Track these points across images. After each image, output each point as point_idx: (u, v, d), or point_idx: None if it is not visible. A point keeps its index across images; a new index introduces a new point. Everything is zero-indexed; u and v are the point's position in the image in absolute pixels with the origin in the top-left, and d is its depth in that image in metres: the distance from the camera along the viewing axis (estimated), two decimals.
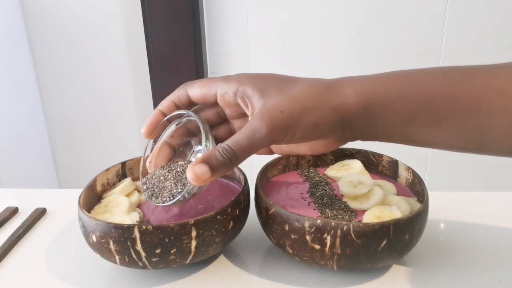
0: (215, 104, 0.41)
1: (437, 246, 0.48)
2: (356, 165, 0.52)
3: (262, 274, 0.45)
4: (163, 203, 0.41)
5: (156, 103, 1.25)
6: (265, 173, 0.50)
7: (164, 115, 0.42)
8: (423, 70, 0.36)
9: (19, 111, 1.28)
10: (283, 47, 1.20)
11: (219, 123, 0.44)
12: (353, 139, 0.39)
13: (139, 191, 0.51)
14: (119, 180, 0.52)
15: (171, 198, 0.40)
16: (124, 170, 0.53)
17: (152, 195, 0.42)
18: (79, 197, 0.44)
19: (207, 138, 0.39)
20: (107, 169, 0.51)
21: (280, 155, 0.53)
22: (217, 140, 0.45)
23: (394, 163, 0.51)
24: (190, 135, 0.45)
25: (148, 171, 0.44)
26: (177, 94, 0.41)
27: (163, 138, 0.44)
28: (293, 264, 0.46)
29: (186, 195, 0.40)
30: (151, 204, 0.43)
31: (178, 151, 0.45)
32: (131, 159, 0.53)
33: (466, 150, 0.36)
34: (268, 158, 0.52)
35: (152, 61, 1.20)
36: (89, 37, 1.24)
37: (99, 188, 0.49)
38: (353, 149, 0.54)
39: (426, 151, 1.25)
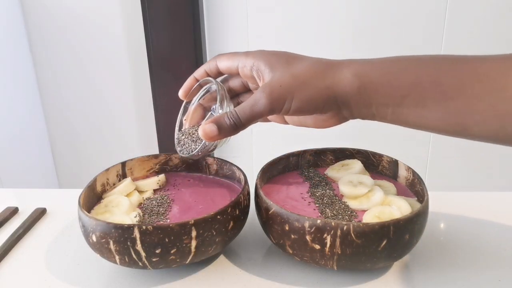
0: (238, 75, 0.46)
1: (437, 246, 0.48)
2: (356, 165, 0.52)
3: (262, 274, 0.45)
4: (187, 154, 0.47)
5: (156, 103, 1.25)
6: (265, 173, 0.50)
7: (197, 81, 0.48)
8: (416, 57, 0.39)
9: (19, 111, 1.28)
10: (283, 47, 1.20)
11: (245, 91, 0.49)
12: (352, 117, 0.42)
13: (139, 191, 0.51)
14: (119, 180, 0.52)
15: (191, 151, 0.47)
16: (124, 170, 0.53)
17: (181, 147, 0.49)
18: (79, 197, 0.44)
19: (221, 102, 0.45)
20: (107, 169, 0.51)
21: (280, 155, 0.53)
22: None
23: (394, 163, 0.51)
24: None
25: (183, 127, 0.51)
26: (209, 65, 0.47)
27: (197, 101, 0.50)
28: (293, 264, 0.46)
29: (203, 149, 0.46)
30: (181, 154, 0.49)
31: (208, 114, 0.51)
32: (131, 159, 0.53)
33: (451, 133, 0.38)
34: (268, 158, 0.52)
35: (152, 61, 1.20)
36: (89, 37, 1.24)
37: (99, 188, 0.49)
38: (353, 149, 0.54)
39: (426, 151, 1.25)
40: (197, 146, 0.47)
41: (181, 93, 0.49)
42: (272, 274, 0.44)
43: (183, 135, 0.49)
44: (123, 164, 0.53)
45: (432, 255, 0.47)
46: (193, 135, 0.48)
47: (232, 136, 0.43)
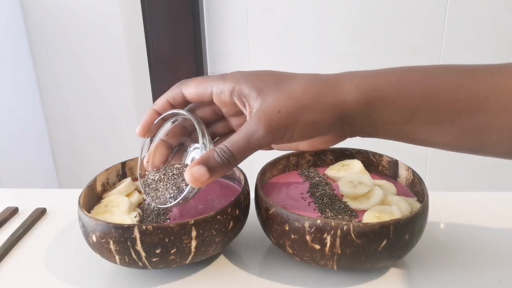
0: (211, 102, 0.40)
1: (437, 246, 0.48)
2: (356, 165, 0.52)
3: (262, 274, 0.45)
4: (163, 204, 0.41)
5: None
6: (265, 173, 0.50)
7: (159, 114, 0.42)
8: (426, 68, 0.35)
9: (19, 111, 1.28)
10: (283, 47, 1.20)
11: (216, 120, 0.44)
12: (353, 135, 0.39)
13: (139, 191, 0.51)
14: (119, 180, 0.52)
15: (170, 201, 0.40)
16: (124, 170, 0.53)
17: (151, 197, 0.42)
18: (79, 197, 0.44)
19: (203, 137, 0.38)
20: (107, 169, 0.51)
21: (280, 155, 0.53)
22: (214, 137, 0.45)
23: (394, 163, 0.51)
24: (186, 133, 0.45)
25: (146, 170, 0.44)
26: (172, 93, 0.41)
27: (159, 137, 0.44)
28: (293, 264, 0.46)
29: (186, 198, 0.40)
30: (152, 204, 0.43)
31: (175, 150, 0.45)
32: (131, 159, 0.53)
33: (464, 151, 0.35)
34: (268, 158, 0.52)
35: (152, 61, 1.20)
36: (89, 37, 1.24)
37: (99, 188, 0.49)
38: (353, 149, 0.54)
39: (426, 151, 1.25)
40: (177, 194, 0.40)
41: (138, 131, 0.42)
42: (272, 274, 0.44)
43: (152, 181, 0.42)
44: (123, 164, 0.53)
45: (432, 255, 0.47)
46: (168, 181, 0.41)
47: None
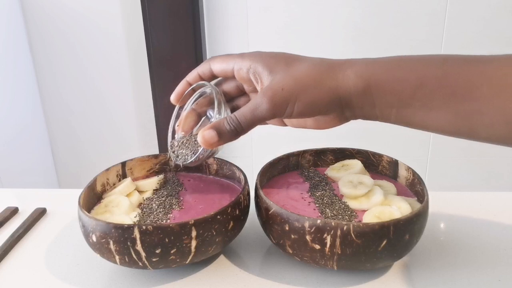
0: (234, 78, 0.44)
1: (437, 246, 0.48)
2: (356, 165, 0.52)
3: (262, 274, 0.45)
4: (182, 162, 0.46)
5: (156, 103, 1.25)
6: (265, 173, 0.50)
7: (190, 85, 0.47)
8: (424, 57, 0.38)
9: (19, 111, 1.28)
10: (283, 47, 1.20)
11: (240, 95, 0.48)
12: (353, 117, 0.41)
13: (139, 191, 0.51)
14: (119, 180, 0.52)
15: (187, 159, 0.46)
16: (124, 170, 0.53)
17: (175, 157, 0.47)
18: (79, 197, 0.44)
19: (219, 108, 0.44)
20: (107, 169, 0.51)
21: (280, 156, 0.53)
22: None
23: (394, 163, 0.51)
24: (212, 104, 0.48)
25: (175, 134, 0.49)
26: (202, 67, 0.45)
27: (190, 106, 0.49)
28: (293, 264, 0.46)
29: (198, 159, 0.45)
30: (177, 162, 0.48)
31: (203, 118, 0.49)
32: (131, 159, 0.53)
33: (457, 135, 0.37)
34: (268, 158, 0.52)
35: (152, 61, 1.20)
36: (89, 37, 1.24)
37: (99, 188, 0.49)
38: (353, 149, 0.54)
39: (426, 151, 1.25)
40: (193, 154, 0.45)
41: (173, 98, 0.47)
42: (272, 274, 0.44)
43: (178, 142, 0.48)
44: (123, 164, 0.53)
45: (432, 255, 0.47)
46: (188, 143, 0.47)
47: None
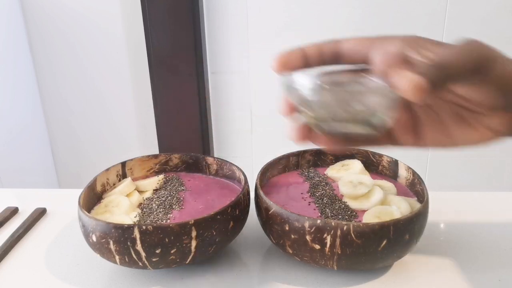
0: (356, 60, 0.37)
1: (437, 246, 0.48)
2: (356, 165, 0.52)
3: (262, 274, 0.45)
4: (339, 130, 0.32)
5: (156, 103, 1.25)
6: (265, 173, 0.50)
7: (305, 54, 0.38)
8: None
9: (19, 111, 1.28)
10: (283, 47, 1.20)
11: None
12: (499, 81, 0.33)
13: (139, 191, 0.51)
14: (119, 180, 0.52)
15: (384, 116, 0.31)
16: (124, 170, 0.53)
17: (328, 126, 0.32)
18: (79, 197, 0.44)
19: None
20: (107, 169, 0.51)
21: (280, 156, 0.53)
22: None
23: (394, 163, 0.51)
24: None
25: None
26: (327, 45, 0.39)
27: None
28: (293, 264, 0.46)
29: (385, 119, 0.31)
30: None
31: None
32: (131, 159, 0.53)
33: None
34: (268, 158, 0.52)
35: (152, 61, 1.20)
36: (89, 37, 1.24)
37: (99, 188, 0.49)
38: (353, 149, 0.54)
39: (426, 151, 1.25)
40: (378, 112, 0.30)
41: (278, 63, 0.38)
42: (272, 274, 0.44)
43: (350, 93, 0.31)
44: (123, 164, 0.53)
45: (432, 255, 0.47)
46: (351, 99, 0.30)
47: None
